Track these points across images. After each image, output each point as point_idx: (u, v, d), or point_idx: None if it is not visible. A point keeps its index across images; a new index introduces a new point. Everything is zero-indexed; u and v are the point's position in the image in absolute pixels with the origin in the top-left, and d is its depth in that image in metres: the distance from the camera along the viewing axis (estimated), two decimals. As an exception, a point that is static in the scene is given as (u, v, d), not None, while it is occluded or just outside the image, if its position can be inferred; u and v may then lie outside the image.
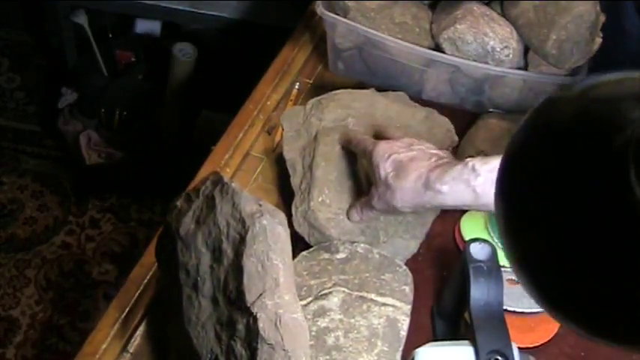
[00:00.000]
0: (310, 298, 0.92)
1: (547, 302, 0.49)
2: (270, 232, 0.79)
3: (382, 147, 0.91)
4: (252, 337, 0.76)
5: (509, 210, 0.51)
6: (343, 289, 0.92)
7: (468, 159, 0.84)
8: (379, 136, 0.99)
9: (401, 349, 0.89)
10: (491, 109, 1.17)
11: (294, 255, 0.89)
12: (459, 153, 1.08)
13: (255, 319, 0.76)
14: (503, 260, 0.88)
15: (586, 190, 0.45)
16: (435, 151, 0.91)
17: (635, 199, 0.41)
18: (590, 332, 0.47)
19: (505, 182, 0.51)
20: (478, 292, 0.83)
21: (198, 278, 0.82)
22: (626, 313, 0.45)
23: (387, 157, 0.89)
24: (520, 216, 0.50)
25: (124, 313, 0.95)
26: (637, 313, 0.45)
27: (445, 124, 1.09)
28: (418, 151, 0.89)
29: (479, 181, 0.82)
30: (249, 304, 0.76)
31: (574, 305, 0.47)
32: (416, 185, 0.86)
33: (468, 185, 0.82)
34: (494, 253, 0.85)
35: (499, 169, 0.52)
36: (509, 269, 0.97)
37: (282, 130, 1.08)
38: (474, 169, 0.82)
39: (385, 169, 0.89)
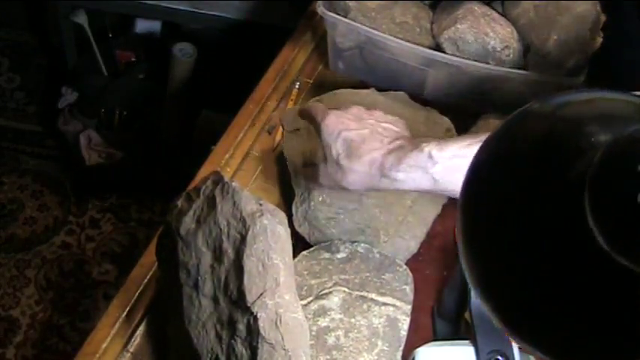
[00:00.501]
0: (311, 298, 0.92)
1: (508, 326, 0.48)
2: (271, 232, 0.79)
3: (331, 121, 0.87)
4: (253, 336, 0.76)
5: (469, 226, 0.50)
6: (344, 288, 0.92)
7: (424, 144, 0.81)
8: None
9: (401, 348, 0.89)
10: (491, 109, 1.17)
11: (295, 254, 0.89)
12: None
13: (256, 318, 0.76)
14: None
15: (545, 214, 0.44)
16: (386, 125, 0.87)
17: (588, 227, 0.40)
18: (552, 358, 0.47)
19: (468, 195, 0.50)
20: (478, 291, 0.83)
21: (199, 278, 0.82)
22: (585, 338, 0.45)
23: (337, 135, 0.86)
24: (479, 233, 0.49)
25: (125, 313, 0.95)
26: (595, 338, 0.44)
27: (445, 123, 1.09)
28: (370, 129, 0.86)
29: (437, 168, 0.80)
30: (249, 304, 0.76)
31: (532, 330, 0.47)
32: (370, 170, 0.84)
33: (425, 172, 0.80)
34: (494, 253, 0.85)
35: (465, 179, 0.50)
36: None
37: (283, 129, 1.08)
38: (430, 156, 0.80)
39: (336, 149, 0.85)
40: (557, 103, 0.49)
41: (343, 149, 0.85)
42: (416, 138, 0.86)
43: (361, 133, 0.85)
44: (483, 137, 0.79)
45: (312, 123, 0.91)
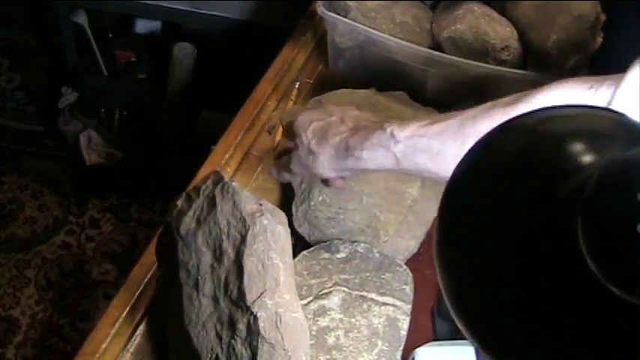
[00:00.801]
0: (310, 298, 0.92)
1: (479, 342, 0.46)
2: (271, 232, 0.80)
3: (302, 117, 0.91)
4: (253, 336, 0.76)
5: (445, 235, 0.48)
6: (343, 288, 0.92)
7: (386, 124, 0.83)
8: None
9: (401, 348, 0.89)
10: (491, 109, 1.16)
11: (295, 254, 0.89)
12: (459, 153, 1.08)
13: (256, 318, 0.76)
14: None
15: (525, 235, 0.42)
16: (352, 113, 0.90)
17: (580, 254, 0.39)
18: None
19: (447, 204, 0.49)
20: (478, 291, 0.83)
21: (199, 277, 0.82)
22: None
23: (307, 125, 0.89)
24: (454, 244, 0.47)
25: (125, 313, 0.95)
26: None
27: (445, 123, 1.09)
28: (338, 116, 0.89)
29: (398, 147, 0.81)
30: (249, 304, 0.76)
31: (505, 349, 0.45)
32: (337, 151, 0.86)
33: (388, 151, 0.82)
34: (494, 253, 0.85)
35: (446, 186, 0.49)
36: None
37: (283, 129, 1.08)
38: (392, 135, 0.81)
39: (307, 136, 0.88)
40: (539, 118, 0.48)
41: (313, 135, 0.88)
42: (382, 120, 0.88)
43: (329, 121, 0.89)
44: (442, 117, 0.80)
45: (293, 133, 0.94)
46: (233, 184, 0.83)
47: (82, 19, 2.07)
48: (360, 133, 0.85)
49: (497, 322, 0.45)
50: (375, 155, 0.83)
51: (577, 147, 0.43)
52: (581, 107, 0.49)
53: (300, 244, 0.99)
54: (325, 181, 0.95)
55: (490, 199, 0.45)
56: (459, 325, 0.47)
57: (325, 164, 0.87)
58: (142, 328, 0.95)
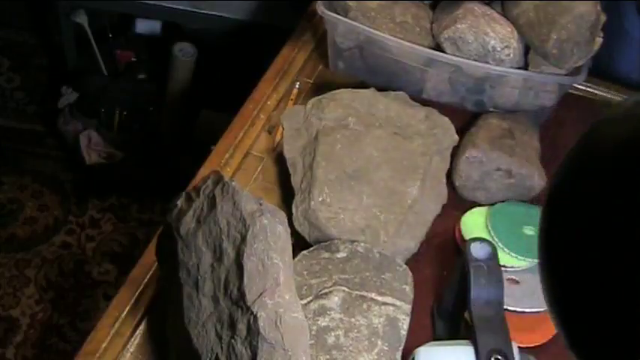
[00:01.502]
0: (311, 297, 0.92)
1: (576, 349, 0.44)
2: (271, 232, 0.79)
3: None
4: (253, 336, 0.76)
5: (551, 247, 0.45)
6: (343, 288, 0.92)
7: None
8: None
9: (401, 348, 0.89)
10: (491, 109, 1.17)
11: (295, 254, 0.89)
12: (458, 152, 1.09)
13: (256, 318, 0.76)
14: (503, 260, 0.87)
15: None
16: None
17: None
18: None
19: (549, 223, 0.46)
20: (478, 291, 0.83)
21: (199, 277, 0.82)
22: None
23: None
24: (562, 255, 0.44)
25: (125, 313, 0.95)
26: None
27: (445, 123, 1.09)
28: None
29: None
30: (249, 303, 0.76)
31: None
32: None
33: None
34: (494, 253, 0.85)
35: (544, 203, 0.46)
36: (509, 269, 0.97)
37: (283, 129, 1.08)
38: None
39: None
40: (635, 103, 0.44)
41: None
42: None
43: None
44: None
45: None
46: (233, 184, 0.83)
47: (82, 19, 2.07)
48: None
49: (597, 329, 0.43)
50: None
51: None
52: None
53: (300, 244, 0.99)
54: None
55: (600, 199, 0.42)
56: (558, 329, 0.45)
57: None
58: (142, 328, 0.95)
